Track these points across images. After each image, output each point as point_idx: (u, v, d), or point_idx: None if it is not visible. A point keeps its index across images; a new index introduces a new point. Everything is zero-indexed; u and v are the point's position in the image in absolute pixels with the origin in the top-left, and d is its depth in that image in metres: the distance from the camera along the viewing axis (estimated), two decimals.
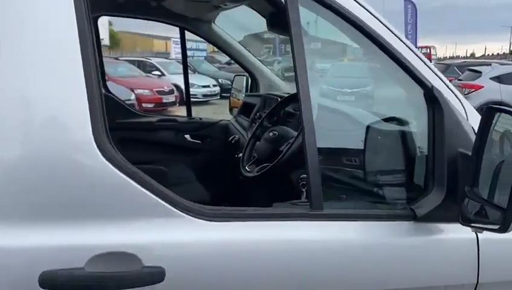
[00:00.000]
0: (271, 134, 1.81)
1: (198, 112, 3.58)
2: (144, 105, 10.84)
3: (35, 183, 1.04)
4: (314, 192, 1.23)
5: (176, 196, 1.15)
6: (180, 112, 3.00)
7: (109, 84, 10.24)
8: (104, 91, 3.13)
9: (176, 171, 2.76)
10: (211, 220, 1.15)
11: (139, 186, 1.09)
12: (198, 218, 1.14)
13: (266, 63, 3.25)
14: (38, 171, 1.05)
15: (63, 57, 1.07)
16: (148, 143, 3.10)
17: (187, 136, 3.12)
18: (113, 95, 3.17)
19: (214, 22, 2.90)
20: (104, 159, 1.07)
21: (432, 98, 1.32)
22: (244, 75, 3.23)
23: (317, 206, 1.23)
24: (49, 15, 1.06)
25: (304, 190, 1.65)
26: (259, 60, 3.14)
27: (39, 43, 1.05)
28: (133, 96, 10.30)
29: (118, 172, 1.07)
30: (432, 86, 1.32)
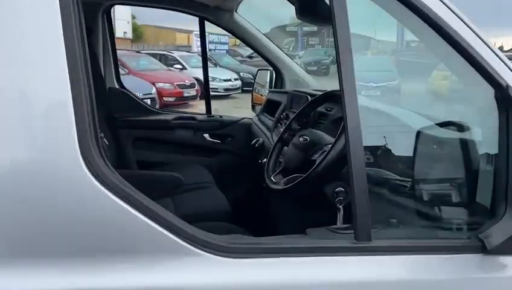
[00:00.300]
0: (301, 139, 1.56)
1: (217, 109, 3.34)
2: (165, 99, 10.76)
3: (6, 212, 0.82)
4: (361, 219, 0.98)
5: (188, 226, 0.91)
6: (201, 106, 2.87)
7: (130, 77, 10.23)
8: (117, 87, 2.95)
9: (194, 174, 2.54)
10: (234, 257, 0.91)
11: (139, 215, 0.86)
12: (218, 255, 0.90)
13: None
14: (11, 195, 0.83)
15: (43, 57, 0.85)
16: (164, 143, 2.90)
17: (206, 136, 2.89)
18: (128, 90, 2.97)
19: (235, 11, 2.65)
20: (93, 179, 0.84)
21: (507, 99, 1.05)
22: (267, 70, 2.97)
23: (365, 237, 0.99)
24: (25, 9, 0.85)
25: (340, 206, 1.40)
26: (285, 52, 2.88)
27: (14, 42, 0.84)
28: (154, 90, 10.19)
29: (112, 196, 0.84)
30: (507, 85, 1.05)
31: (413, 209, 1.27)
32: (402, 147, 1.52)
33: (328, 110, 1.84)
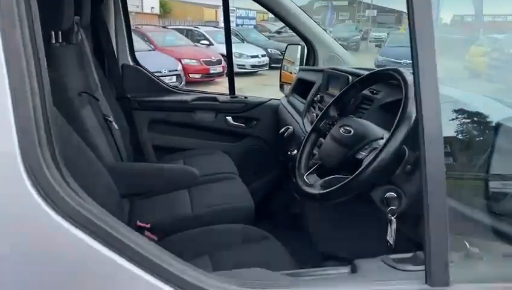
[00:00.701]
0: (342, 130, 1.24)
1: (241, 88, 3.04)
2: (191, 76, 10.55)
3: None
4: (437, 255, 0.68)
5: (195, 274, 0.63)
6: (228, 83, 2.65)
7: (156, 53, 10.06)
8: (132, 63, 2.68)
9: (215, 162, 2.28)
10: None
11: (114, 256, 0.58)
12: None
13: None
14: None
15: None
16: (183, 126, 2.63)
17: (229, 118, 2.60)
18: (144, 68, 2.69)
19: None
20: (42, 203, 0.56)
21: None
22: (298, 44, 2.63)
23: (441, 280, 0.69)
24: None
25: (392, 217, 1.09)
26: (318, 23, 2.53)
27: None
28: (179, 67, 9.96)
29: (71, 228, 0.56)
30: None
31: (499, 229, 0.95)
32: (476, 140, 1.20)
33: (373, 93, 1.51)
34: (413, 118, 1.05)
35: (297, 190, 1.28)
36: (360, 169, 1.06)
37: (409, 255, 0.85)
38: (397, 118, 1.06)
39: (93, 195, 1.27)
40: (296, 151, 1.65)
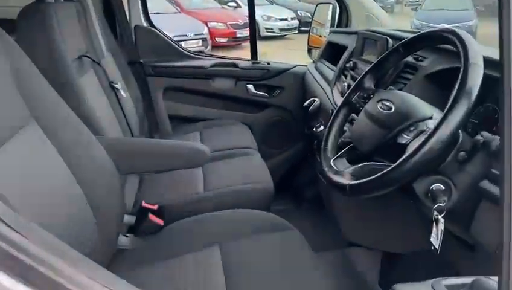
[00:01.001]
0: (380, 106, 1.01)
1: (266, 53, 2.80)
2: (217, 40, 10.27)
3: None
4: None
5: None
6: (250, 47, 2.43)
7: (182, 16, 9.79)
8: (146, 25, 2.46)
9: (233, 136, 2.08)
10: None
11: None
12: None
13: None
14: None
15: None
16: (200, 94, 2.43)
17: (250, 87, 2.38)
18: (159, 30, 2.47)
19: None
20: None
21: None
22: (329, 3, 2.36)
23: None
24: None
25: (439, 216, 0.88)
26: None
27: None
28: (206, 30, 9.69)
29: None
30: None
31: None
32: None
33: (418, 60, 1.25)
34: (475, 93, 0.81)
35: (323, 175, 1.07)
36: (402, 157, 0.83)
37: (468, 279, 0.64)
38: (453, 94, 0.82)
39: (85, 173, 1.10)
40: (322, 127, 1.43)
